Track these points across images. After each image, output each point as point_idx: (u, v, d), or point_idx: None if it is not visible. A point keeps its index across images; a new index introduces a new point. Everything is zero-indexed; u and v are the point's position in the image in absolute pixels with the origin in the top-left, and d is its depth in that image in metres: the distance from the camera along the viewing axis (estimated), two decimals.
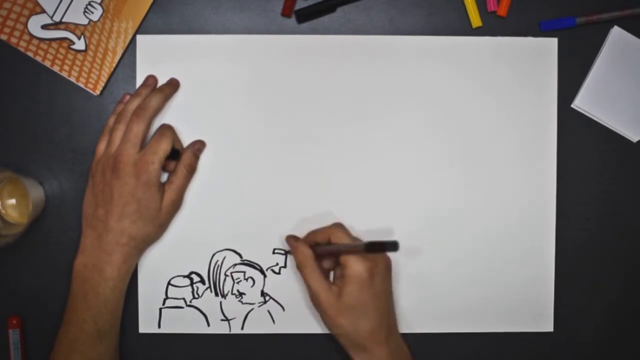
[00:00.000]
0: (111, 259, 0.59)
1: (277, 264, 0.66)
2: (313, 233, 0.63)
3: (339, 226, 0.62)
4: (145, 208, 0.60)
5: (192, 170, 0.64)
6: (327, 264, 0.63)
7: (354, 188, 0.66)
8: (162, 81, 0.65)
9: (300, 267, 0.61)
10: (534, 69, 0.66)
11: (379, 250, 0.56)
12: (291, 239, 0.63)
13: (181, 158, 0.63)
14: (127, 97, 0.63)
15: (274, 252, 0.66)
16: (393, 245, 0.55)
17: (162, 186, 0.61)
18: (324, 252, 0.61)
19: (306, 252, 0.61)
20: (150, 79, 0.64)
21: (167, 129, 0.61)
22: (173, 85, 0.64)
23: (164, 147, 0.60)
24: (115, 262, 0.59)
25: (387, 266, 0.61)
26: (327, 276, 0.62)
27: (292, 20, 0.66)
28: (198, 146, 0.64)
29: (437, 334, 0.66)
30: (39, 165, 0.65)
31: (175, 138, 0.62)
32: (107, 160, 0.60)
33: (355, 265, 0.58)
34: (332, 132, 0.65)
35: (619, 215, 0.67)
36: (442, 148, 0.66)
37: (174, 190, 0.62)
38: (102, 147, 0.62)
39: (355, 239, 0.62)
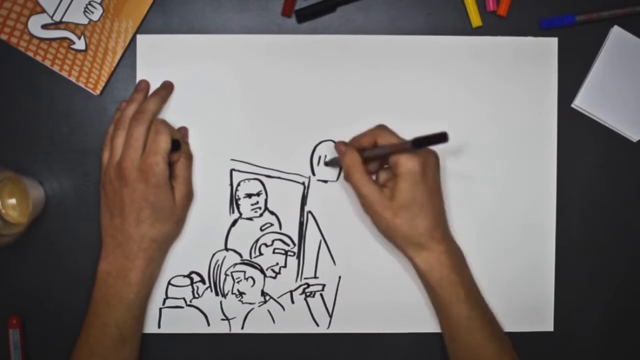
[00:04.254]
0: (134, 264, 0.60)
1: (277, 264, 0.66)
2: (357, 138, 0.62)
3: (383, 127, 0.61)
4: (160, 209, 0.60)
5: (191, 158, 0.64)
6: (372, 167, 0.62)
7: None
8: (161, 80, 0.64)
9: (349, 174, 0.60)
10: (534, 69, 0.66)
11: (429, 143, 0.53)
12: (340, 145, 0.62)
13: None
14: (124, 105, 0.63)
15: (274, 252, 0.66)
16: (442, 137, 0.52)
17: (170, 183, 0.61)
18: (373, 155, 0.60)
19: (355, 157, 0.60)
20: (143, 84, 0.64)
21: (161, 125, 0.60)
22: (168, 88, 0.64)
23: (164, 145, 0.59)
24: (139, 267, 0.60)
25: (437, 161, 0.60)
26: (376, 182, 0.61)
27: (292, 20, 0.66)
28: (184, 132, 0.65)
29: (438, 334, 0.66)
30: (39, 165, 0.65)
31: (172, 130, 0.61)
32: (112, 170, 0.60)
33: (409, 162, 0.57)
34: (332, 131, 0.65)
35: (619, 215, 0.67)
36: (441, 147, 0.66)
37: (183, 183, 0.62)
38: (106, 156, 0.62)
39: (400, 138, 0.60)
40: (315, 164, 0.66)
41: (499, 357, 0.60)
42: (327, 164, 0.65)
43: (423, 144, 0.54)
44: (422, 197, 0.58)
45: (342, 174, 0.65)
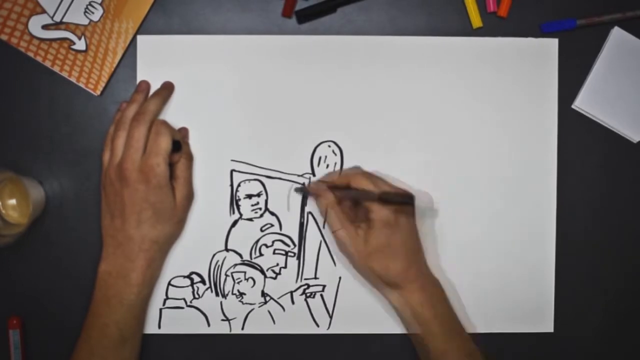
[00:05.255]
0: (135, 265, 0.60)
1: (278, 265, 0.66)
2: (332, 175, 0.64)
3: (358, 172, 0.62)
4: (161, 210, 0.60)
5: (191, 158, 0.64)
6: (347, 206, 0.63)
7: None
8: (161, 81, 0.64)
9: (325, 213, 0.61)
10: (535, 70, 0.66)
11: (395, 202, 0.55)
12: (314, 184, 0.64)
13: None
14: (125, 105, 0.63)
15: (274, 253, 0.66)
16: (409, 199, 0.54)
17: (170, 183, 0.61)
18: (343, 197, 0.61)
19: (329, 197, 0.61)
20: (143, 84, 0.64)
21: (161, 125, 0.60)
22: (168, 89, 0.64)
23: (165, 146, 0.59)
24: (140, 268, 0.60)
25: (411, 207, 0.61)
26: (351, 222, 0.62)
27: (293, 21, 0.65)
28: (184, 133, 0.65)
29: None
30: (39, 165, 0.65)
31: (172, 131, 0.61)
32: (113, 171, 0.60)
33: (382, 210, 0.59)
34: (332, 132, 0.65)
35: (619, 215, 0.67)
36: (442, 148, 0.66)
37: (183, 184, 0.62)
38: (106, 157, 0.62)
39: (376, 183, 0.61)
40: (316, 164, 0.66)
41: None
42: (295, 190, 0.65)
43: (388, 201, 0.56)
44: (395, 242, 0.60)
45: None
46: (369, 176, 0.62)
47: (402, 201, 0.55)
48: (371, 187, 0.60)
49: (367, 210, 0.59)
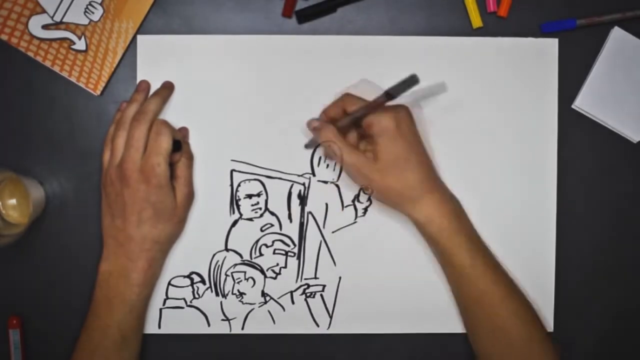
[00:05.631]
0: (136, 265, 0.60)
1: (278, 264, 0.66)
2: (326, 110, 0.62)
3: (348, 95, 0.61)
4: (161, 210, 0.60)
5: (192, 158, 0.64)
6: (351, 139, 0.62)
7: None
8: (161, 81, 0.64)
9: (329, 146, 0.60)
10: (535, 70, 0.66)
11: (401, 90, 0.53)
12: (313, 122, 0.62)
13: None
14: (125, 105, 0.63)
15: (274, 253, 0.66)
16: (412, 79, 0.52)
17: (171, 183, 0.61)
18: (345, 123, 0.60)
19: (331, 130, 0.60)
20: (143, 84, 0.64)
21: (162, 125, 0.60)
22: (168, 88, 0.64)
23: (165, 146, 0.59)
24: (141, 268, 0.60)
25: (409, 113, 0.60)
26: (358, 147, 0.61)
27: (293, 21, 0.66)
28: (184, 132, 0.65)
29: (438, 334, 0.66)
30: (39, 165, 0.65)
31: (173, 131, 0.61)
32: (114, 171, 0.60)
33: (382, 120, 0.58)
34: None
35: (619, 215, 0.67)
36: (442, 148, 0.66)
37: (184, 183, 0.62)
38: (107, 157, 0.62)
39: (366, 100, 0.60)
40: (316, 164, 0.66)
41: (502, 303, 0.60)
42: (306, 146, 0.65)
43: (396, 92, 0.53)
44: (403, 151, 0.58)
45: (342, 175, 0.65)
46: (357, 96, 0.61)
47: (410, 85, 0.52)
48: (363, 102, 0.59)
49: (369, 126, 0.58)
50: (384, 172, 0.58)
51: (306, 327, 0.66)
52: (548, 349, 0.60)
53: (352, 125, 0.61)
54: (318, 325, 0.66)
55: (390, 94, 0.54)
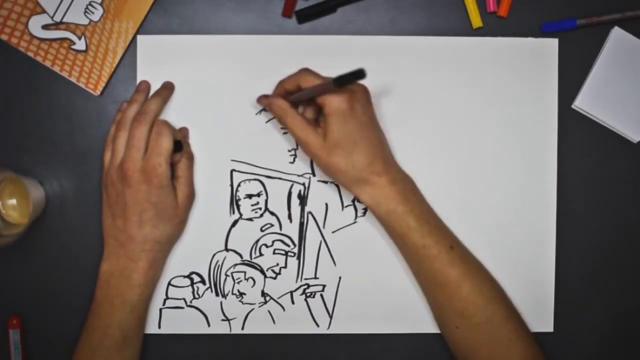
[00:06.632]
0: (137, 265, 0.60)
1: (278, 265, 0.66)
2: (281, 83, 0.62)
3: (305, 70, 0.61)
4: (162, 210, 0.60)
5: (192, 158, 0.64)
6: (309, 113, 0.62)
7: None
8: (161, 81, 0.64)
9: (281, 119, 0.60)
10: (535, 70, 0.66)
11: (348, 81, 0.53)
12: (262, 97, 0.63)
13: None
14: (125, 105, 0.63)
15: (274, 253, 0.66)
16: (359, 73, 0.52)
17: (171, 183, 0.61)
18: (297, 99, 0.60)
19: (282, 103, 0.60)
20: (144, 84, 0.64)
21: (162, 125, 0.60)
22: (169, 88, 0.64)
23: (166, 146, 0.59)
24: (142, 268, 0.60)
25: (365, 94, 0.60)
26: (311, 122, 0.60)
27: (293, 21, 0.66)
28: (185, 132, 0.65)
29: (438, 334, 0.66)
30: (39, 165, 0.65)
31: (173, 131, 0.61)
32: (114, 171, 0.60)
33: (334, 100, 0.57)
34: None
35: (619, 215, 0.67)
36: (442, 148, 0.66)
37: (185, 184, 0.62)
38: (107, 157, 0.62)
39: (325, 78, 0.60)
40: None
41: (460, 282, 0.59)
42: (259, 112, 0.65)
43: (343, 83, 0.53)
44: (354, 132, 0.58)
45: None
46: (315, 73, 0.60)
47: (356, 77, 0.52)
48: (319, 81, 0.59)
49: (322, 105, 0.58)
50: (330, 150, 0.58)
51: (306, 327, 0.66)
52: (515, 328, 0.60)
53: (311, 99, 0.61)
54: (318, 325, 0.66)
55: (336, 82, 0.54)
